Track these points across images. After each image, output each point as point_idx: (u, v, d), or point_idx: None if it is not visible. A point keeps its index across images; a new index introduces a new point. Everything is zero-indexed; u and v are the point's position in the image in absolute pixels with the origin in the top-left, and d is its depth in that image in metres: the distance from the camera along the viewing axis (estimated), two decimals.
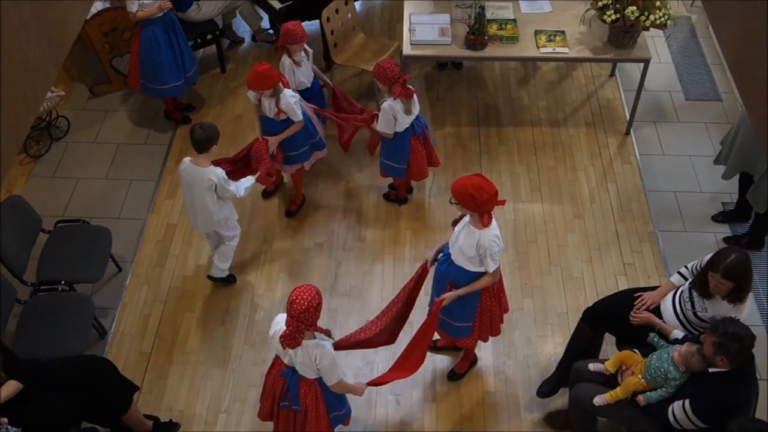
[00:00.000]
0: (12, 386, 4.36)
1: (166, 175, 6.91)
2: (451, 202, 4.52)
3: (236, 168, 5.75)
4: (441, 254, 4.91)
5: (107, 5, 7.20)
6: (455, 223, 4.80)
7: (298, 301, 4.02)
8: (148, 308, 5.94)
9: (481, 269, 4.63)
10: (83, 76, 7.79)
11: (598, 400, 4.52)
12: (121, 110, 7.56)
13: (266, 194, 6.61)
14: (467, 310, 4.89)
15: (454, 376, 5.54)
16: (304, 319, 4.04)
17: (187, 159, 5.34)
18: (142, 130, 7.35)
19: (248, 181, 5.56)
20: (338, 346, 4.61)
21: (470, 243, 4.54)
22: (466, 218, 4.61)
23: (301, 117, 5.82)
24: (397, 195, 6.64)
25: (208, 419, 5.31)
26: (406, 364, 4.80)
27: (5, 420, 4.16)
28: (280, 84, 5.67)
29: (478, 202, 4.37)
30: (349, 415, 4.83)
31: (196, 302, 5.98)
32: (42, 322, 5.16)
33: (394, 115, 5.77)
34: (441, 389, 5.46)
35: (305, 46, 6.11)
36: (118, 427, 4.99)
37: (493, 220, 4.55)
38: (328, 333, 4.28)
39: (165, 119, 7.39)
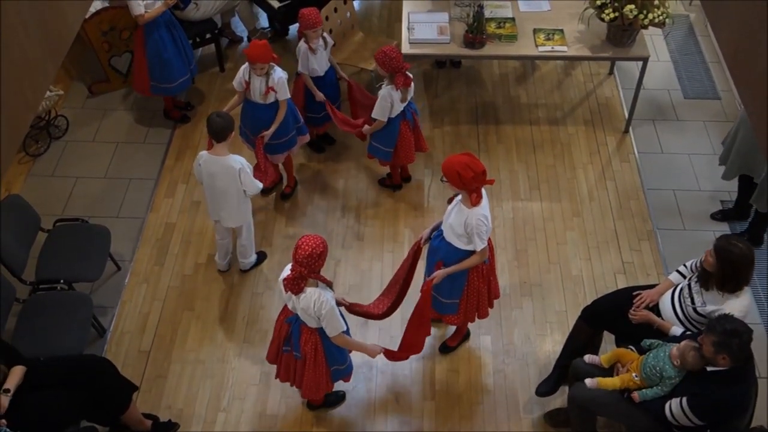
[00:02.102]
0: (18, 372, 4.42)
1: (165, 173, 6.91)
2: (441, 180, 4.67)
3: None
4: (435, 232, 5.06)
5: (106, 4, 7.20)
6: (450, 200, 4.93)
7: (303, 246, 4.20)
8: (147, 307, 5.94)
9: (470, 247, 4.77)
10: (82, 75, 7.79)
11: (590, 382, 4.52)
12: (120, 109, 7.56)
13: (264, 191, 6.59)
14: (455, 287, 5.02)
15: (446, 349, 5.65)
16: (306, 265, 4.20)
17: (203, 152, 5.35)
18: (141, 128, 7.35)
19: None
20: (346, 308, 4.88)
21: (459, 221, 4.68)
22: (459, 196, 4.74)
23: (288, 95, 5.91)
24: (392, 181, 6.68)
25: (208, 417, 5.31)
26: (413, 345, 5.00)
27: (4, 422, 4.17)
28: (274, 62, 5.75)
29: (465, 180, 4.52)
30: (350, 372, 4.96)
31: (195, 301, 5.98)
32: (41, 320, 5.16)
33: (391, 102, 5.83)
34: (440, 388, 5.46)
35: (325, 35, 6.19)
36: (118, 426, 5.00)
37: (484, 199, 4.69)
38: (329, 283, 4.45)
39: (164, 118, 7.39)
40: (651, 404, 4.35)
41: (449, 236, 4.81)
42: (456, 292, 5.04)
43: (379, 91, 5.87)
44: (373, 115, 5.95)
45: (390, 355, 4.98)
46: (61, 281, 5.46)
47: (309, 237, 4.26)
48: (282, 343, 4.72)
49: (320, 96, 6.27)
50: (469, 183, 4.54)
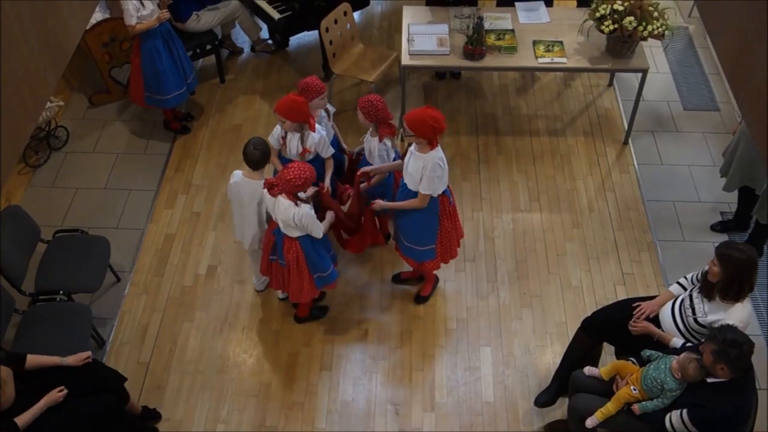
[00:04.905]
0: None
1: (165, 184, 6.91)
2: (406, 135, 4.94)
3: None
4: (375, 170, 5.47)
5: (107, 16, 7.22)
6: (403, 156, 5.24)
7: (289, 168, 4.81)
8: (147, 318, 5.93)
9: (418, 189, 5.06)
10: (82, 85, 7.80)
11: (590, 422, 4.48)
12: (120, 120, 7.57)
13: None
14: (429, 233, 5.31)
15: (420, 299, 5.91)
16: (280, 182, 4.81)
17: (238, 172, 5.29)
18: (141, 139, 7.36)
19: None
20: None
21: (418, 167, 4.97)
22: (413, 147, 5.03)
23: (332, 150, 5.59)
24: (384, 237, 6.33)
25: (207, 429, 5.30)
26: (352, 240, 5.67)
27: None
28: (307, 124, 5.38)
29: (436, 130, 4.88)
30: (334, 279, 5.40)
31: (194, 312, 5.97)
32: (40, 331, 5.15)
33: (387, 152, 5.55)
34: (440, 400, 5.45)
35: (328, 106, 5.79)
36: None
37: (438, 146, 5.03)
38: (305, 201, 4.95)
39: (164, 129, 7.41)
40: (651, 416, 4.34)
41: (412, 186, 5.08)
42: (430, 237, 5.29)
43: (371, 144, 5.52)
44: (374, 170, 5.55)
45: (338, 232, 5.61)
46: (61, 292, 5.45)
47: (297, 164, 4.86)
48: (269, 253, 5.27)
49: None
50: (438, 132, 4.88)
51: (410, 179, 5.08)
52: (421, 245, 5.37)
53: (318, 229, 5.02)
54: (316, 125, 5.45)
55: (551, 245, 6.41)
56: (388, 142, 5.54)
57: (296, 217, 4.86)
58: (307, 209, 4.90)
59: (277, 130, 5.54)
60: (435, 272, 5.91)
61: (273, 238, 5.18)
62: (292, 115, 5.29)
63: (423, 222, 5.25)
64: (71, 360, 4.63)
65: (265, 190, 4.95)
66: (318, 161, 5.57)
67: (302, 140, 5.42)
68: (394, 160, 5.63)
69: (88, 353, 4.73)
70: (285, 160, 5.59)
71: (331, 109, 5.87)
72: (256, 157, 5.13)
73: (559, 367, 5.27)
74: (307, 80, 5.49)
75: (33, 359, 4.54)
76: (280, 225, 5.01)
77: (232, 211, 5.56)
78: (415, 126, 4.85)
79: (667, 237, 6.48)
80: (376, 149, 5.49)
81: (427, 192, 5.03)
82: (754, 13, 3.37)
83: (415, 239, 5.36)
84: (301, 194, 4.95)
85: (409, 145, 5.07)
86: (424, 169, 4.93)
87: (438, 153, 4.99)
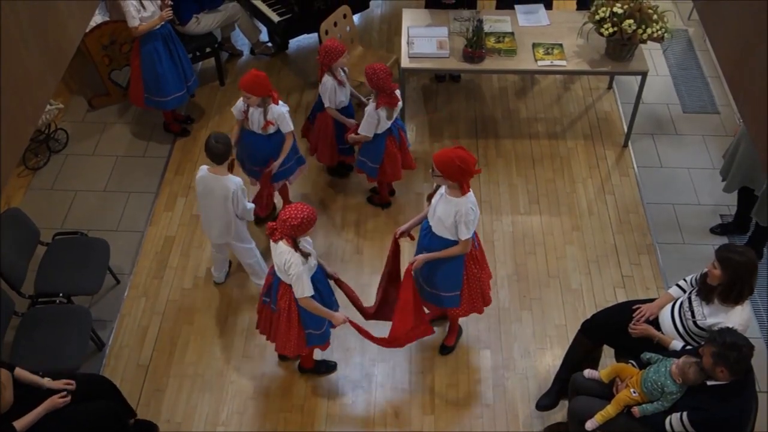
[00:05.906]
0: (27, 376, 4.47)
1: (164, 187, 6.91)
2: (433, 175, 4.67)
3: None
4: (411, 227, 5.11)
5: (107, 18, 7.22)
6: (430, 197, 4.97)
7: (286, 210, 4.48)
8: (146, 320, 5.92)
9: (456, 238, 4.81)
10: (82, 88, 7.80)
11: (590, 425, 4.48)
12: (120, 123, 7.57)
13: (258, 219, 6.41)
14: (453, 279, 5.03)
15: (445, 349, 5.69)
16: (280, 225, 4.50)
17: (204, 167, 5.35)
18: (141, 142, 7.36)
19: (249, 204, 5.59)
20: (336, 281, 5.04)
21: (448, 212, 4.69)
22: (442, 189, 4.77)
23: (292, 127, 5.80)
24: (381, 199, 6.68)
25: (207, 431, 5.29)
26: (396, 338, 5.06)
27: None
28: (270, 98, 5.62)
29: (465, 173, 4.57)
30: (326, 341, 5.11)
31: (194, 314, 5.97)
32: (40, 334, 5.15)
33: (378, 119, 5.83)
34: (440, 402, 5.44)
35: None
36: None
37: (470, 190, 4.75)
38: (305, 254, 4.59)
39: (164, 131, 7.41)
40: (651, 419, 4.34)
41: (440, 230, 4.83)
42: (455, 283, 5.05)
43: (367, 108, 5.87)
44: (359, 131, 5.94)
45: (366, 334, 5.03)
46: (60, 294, 5.45)
47: (295, 205, 4.49)
48: (264, 293, 4.98)
49: (351, 122, 6.16)
50: (469, 175, 4.60)
51: (438, 224, 4.78)
52: (445, 291, 5.07)
53: (302, 290, 4.61)
54: (274, 105, 5.64)
55: (551, 248, 6.41)
56: (383, 113, 5.80)
57: (286, 264, 4.55)
58: (299, 262, 4.54)
59: (239, 102, 5.73)
60: (459, 323, 5.71)
61: (271, 278, 4.87)
62: (256, 89, 5.49)
63: (447, 267, 4.96)
64: (52, 385, 4.51)
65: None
66: (279, 136, 5.81)
67: (265, 114, 5.61)
68: (391, 134, 5.98)
69: (72, 382, 4.57)
70: (248, 134, 5.80)
71: (346, 69, 6.16)
72: (220, 150, 5.16)
73: (560, 370, 5.26)
74: (326, 44, 5.91)
75: (20, 373, 4.46)
76: (275, 268, 4.73)
77: (198, 205, 5.60)
78: (442, 166, 4.57)
79: (667, 240, 6.48)
80: (366, 113, 5.79)
81: (468, 236, 4.73)
82: (753, 15, 3.37)
83: (437, 285, 5.07)
84: (306, 246, 4.64)
85: (437, 188, 4.86)
86: (458, 215, 4.64)
87: (471, 198, 4.69)
